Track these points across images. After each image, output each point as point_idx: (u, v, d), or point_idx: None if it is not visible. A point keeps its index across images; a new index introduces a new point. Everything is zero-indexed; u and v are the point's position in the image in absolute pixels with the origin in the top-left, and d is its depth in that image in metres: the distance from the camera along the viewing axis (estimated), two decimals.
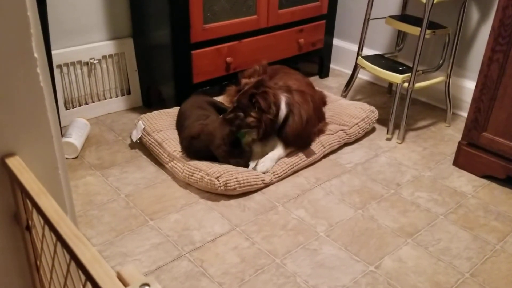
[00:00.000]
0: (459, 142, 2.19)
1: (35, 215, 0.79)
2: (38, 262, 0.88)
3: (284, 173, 2.08)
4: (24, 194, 0.76)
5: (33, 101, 0.80)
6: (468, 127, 2.13)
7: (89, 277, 0.58)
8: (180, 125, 2.17)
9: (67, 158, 2.15)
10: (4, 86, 0.76)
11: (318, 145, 2.22)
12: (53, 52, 2.18)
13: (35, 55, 0.78)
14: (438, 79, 2.50)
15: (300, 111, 2.09)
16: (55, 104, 0.87)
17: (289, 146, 2.13)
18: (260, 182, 1.99)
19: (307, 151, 2.18)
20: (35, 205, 0.71)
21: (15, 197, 0.82)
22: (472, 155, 2.15)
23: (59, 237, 0.65)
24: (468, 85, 2.63)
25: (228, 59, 2.48)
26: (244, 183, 1.94)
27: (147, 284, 0.54)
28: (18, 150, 0.81)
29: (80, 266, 0.60)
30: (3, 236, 0.85)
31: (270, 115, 2.01)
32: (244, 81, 2.13)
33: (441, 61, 2.56)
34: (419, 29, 2.28)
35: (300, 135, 2.13)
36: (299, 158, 2.14)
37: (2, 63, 0.75)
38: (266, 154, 2.10)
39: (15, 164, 0.78)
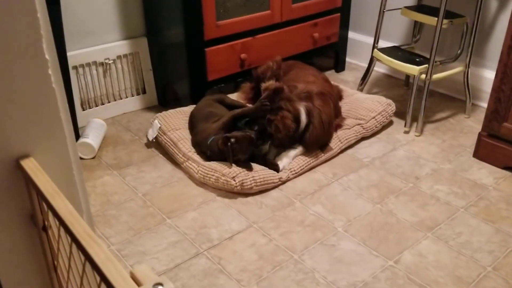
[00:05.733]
0: (479, 134, 2.15)
1: (50, 216, 0.80)
2: (55, 262, 0.89)
3: (301, 169, 2.06)
4: (39, 195, 0.77)
5: (45, 102, 0.80)
6: (488, 117, 2.09)
7: (103, 277, 0.58)
8: (192, 127, 2.17)
9: (84, 159, 2.17)
10: (16, 88, 0.76)
11: (335, 140, 2.20)
12: (68, 54, 2.19)
13: (46, 56, 0.78)
14: (456, 69, 2.46)
15: (321, 116, 2.07)
16: (67, 105, 0.87)
17: (309, 150, 2.12)
18: (277, 179, 1.98)
19: (324, 148, 2.16)
20: (50, 206, 0.71)
21: (31, 199, 0.83)
22: (493, 147, 2.11)
23: (74, 238, 0.65)
24: (488, 75, 2.58)
25: (242, 55, 2.47)
26: (260, 181, 1.93)
27: (160, 284, 0.54)
28: (33, 151, 0.81)
29: (94, 266, 0.60)
30: (20, 237, 0.86)
31: (290, 134, 2.00)
32: (263, 87, 2.09)
33: (459, 51, 2.52)
34: (436, 19, 2.24)
35: (320, 139, 2.12)
36: (316, 155, 2.12)
37: (14, 65, 0.75)
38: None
39: (30, 166, 0.79)
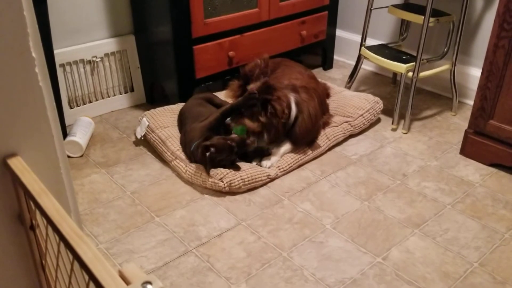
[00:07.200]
0: (466, 131, 2.18)
1: (38, 215, 0.79)
2: (43, 262, 0.88)
3: (289, 167, 2.07)
4: (27, 194, 0.76)
5: (32, 101, 0.80)
6: (475, 115, 2.11)
7: (91, 276, 0.58)
8: (181, 126, 2.16)
9: (72, 157, 2.16)
10: (3, 87, 0.76)
11: (323, 138, 2.21)
12: (55, 52, 2.18)
13: (33, 54, 0.77)
14: (443, 67, 2.48)
15: (309, 109, 2.08)
16: (54, 103, 0.86)
17: (298, 145, 2.12)
18: (265, 177, 1.99)
19: (312, 145, 2.17)
20: (37, 205, 0.71)
21: (18, 198, 0.82)
22: (479, 144, 2.13)
23: (62, 237, 0.65)
24: (474, 73, 2.60)
25: (231, 53, 2.47)
26: (248, 180, 1.93)
27: (149, 282, 0.54)
28: (19, 150, 0.80)
29: (83, 265, 0.60)
30: (8, 236, 0.85)
31: (283, 119, 2.00)
32: (250, 87, 2.10)
33: (445, 49, 2.54)
34: (423, 17, 2.26)
35: (310, 132, 2.12)
36: (304, 152, 2.13)
37: (0, 63, 0.74)
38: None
39: (17, 164, 0.78)
